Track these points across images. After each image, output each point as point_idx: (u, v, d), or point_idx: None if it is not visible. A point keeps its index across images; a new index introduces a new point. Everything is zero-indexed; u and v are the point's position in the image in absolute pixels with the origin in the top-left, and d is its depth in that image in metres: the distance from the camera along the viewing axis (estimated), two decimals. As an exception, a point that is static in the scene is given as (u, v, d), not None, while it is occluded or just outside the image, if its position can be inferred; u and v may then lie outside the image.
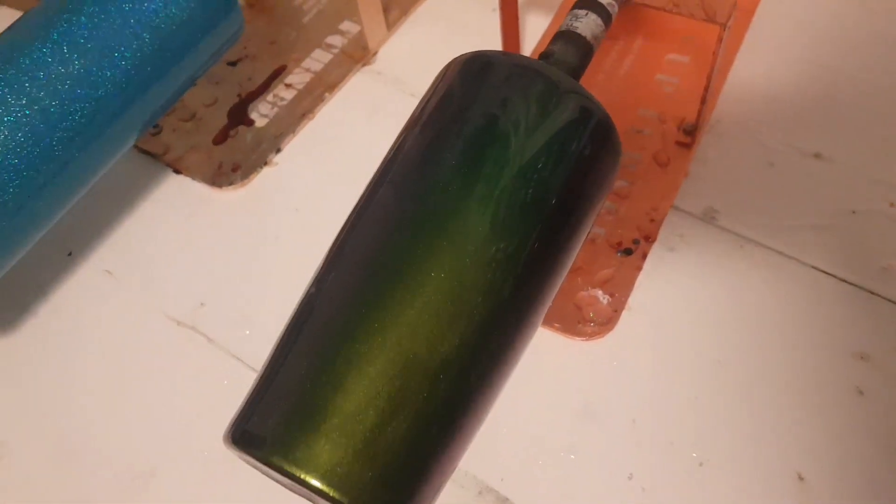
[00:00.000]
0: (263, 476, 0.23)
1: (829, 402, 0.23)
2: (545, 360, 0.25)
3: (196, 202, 0.32)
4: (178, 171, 0.33)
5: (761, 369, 0.24)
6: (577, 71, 0.22)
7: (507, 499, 0.23)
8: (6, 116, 0.24)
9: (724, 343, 0.25)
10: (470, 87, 0.20)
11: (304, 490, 0.16)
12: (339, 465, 0.15)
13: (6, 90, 0.24)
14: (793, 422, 0.23)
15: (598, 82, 0.32)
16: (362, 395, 0.15)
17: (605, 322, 0.26)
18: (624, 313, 0.26)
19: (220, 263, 0.30)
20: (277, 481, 0.19)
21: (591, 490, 0.23)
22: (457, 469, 0.24)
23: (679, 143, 0.29)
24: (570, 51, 0.22)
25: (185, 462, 0.25)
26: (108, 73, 0.26)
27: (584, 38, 0.22)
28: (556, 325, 0.26)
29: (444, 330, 0.16)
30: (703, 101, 0.27)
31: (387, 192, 0.19)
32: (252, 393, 0.17)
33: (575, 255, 0.21)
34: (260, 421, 0.16)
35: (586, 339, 0.25)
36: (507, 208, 0.18)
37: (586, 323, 0.26)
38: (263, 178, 0.32)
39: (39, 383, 0.28)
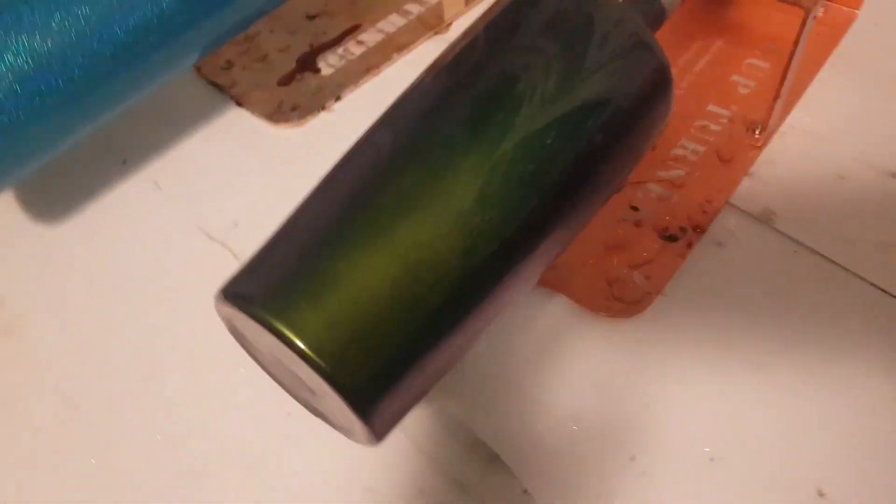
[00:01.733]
0: (261, 381, 0.23)
1: (861, 422, 0.22)
2: (565, 329, 0.25)
3: (251, 134, 0.34)
4: (239, 104, 0.35)
5: (795, 377, 0.23)
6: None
7: (497, 456, 0.23)
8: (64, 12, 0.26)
9: (759, 345, 0.24)
10: (507, 26, 0.20)
11: (288, 360, 0.16)
12: (329, 336, 0.15)
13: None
14: (821, 436, 0.22)
15: (671, 76, 0.32)
16: (358, 292, 0.16)
17: (635, 302, 0.25)
18: (657, 298, 0.25)
19: (261, 191, 0.32)
20: (262, 362, 0.20)
21: (587, 462, 0.22)
22: (451, 418, 0.24)
23: (746, 144, 0.29)
24: (638, 7, 0.23)
25: (192, 364, 0.26)
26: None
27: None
28: (582, 297, 0.26)
29: (415, 275, 0.16)
30: (777, 96, 0.27)
31: (385, 132, 0.19)
32: (248, 261, 0.18)
33: (581, 228, 0.20)
34: (254, 281, 0.17)
35: (611, 317, 0.25)
36: (502, 180, 0.17)
37: (614, 300, 0.25)
38: (320, 122, 0.34)
39: (70, 272, 0.30)
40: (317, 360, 0.15)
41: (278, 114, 0.34)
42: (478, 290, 0.17)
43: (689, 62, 0.33)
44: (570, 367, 0.24)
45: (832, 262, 0.26)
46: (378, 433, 0.16)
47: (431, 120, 0.18)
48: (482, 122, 0.18)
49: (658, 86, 0.21)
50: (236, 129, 0.34)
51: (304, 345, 0.15)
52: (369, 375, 0.15)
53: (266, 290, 0.16)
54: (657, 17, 0.23)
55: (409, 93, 0.20)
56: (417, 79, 0.20)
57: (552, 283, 0.26)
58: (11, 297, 0.30)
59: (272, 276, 0.16)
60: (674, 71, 0.32)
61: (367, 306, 0.15)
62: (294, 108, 0.34)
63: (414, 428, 0.23)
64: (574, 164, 0.19)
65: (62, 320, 0.28)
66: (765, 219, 0.27)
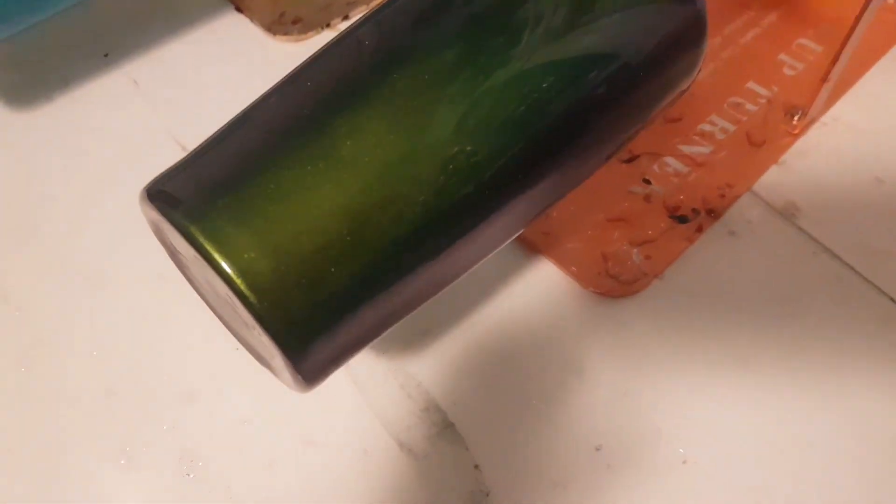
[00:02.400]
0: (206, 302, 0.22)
1: (851, 442, 0.20)
2: (548, 300, 0.23)
3: (245, 43, 0.32)
4: (238, 10, 0.33)
5: (791, 388, 0.22)
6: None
7: (452, 424, 0.21)
8: None
9: (756, 348, 0.22)
10: None
11: (216, 282, 0.14)
12: (261, 258, 0.14)
13: None
14: (809, 454, 0.20)
15: (713, 45, 0.30)
16: (297, 206, 0.14)
17: (630, 283, 0.24)
18: (654, 281, 0.24)
19: (245, 104, 0.30)
20: (195, 284, 0.18)
21: (549, 445, 0.21)
22: (409, 377, 0.22)
23: (781, 129, 0.27)
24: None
25: (142, 280, 0.25)
26: None
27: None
28: (573, 268, 0.24)
29: (378, 204, 0.14)
30: (826, 79, 0.25)
31: (371, 29, 0.17)
32: (186, 156, 0.16)
33: (571, 188, 0.19)
34: (185, 180, 0.15)
35: (601, 294, 0.23)
36: (483, 116, 0.15)
37: (607, 277, 0.24)
38: (320, 39, 0.32)
39: (27, 160, 0.28)
40: (241, 286, 0.13)
41: (278, 25, 0.32)
42: (445, 232, 0.15)
43: (736, 32, 0.30)
44: (547, 341, 0.23)
45: (853, 270, 0.24)
46: (307, 378, 0.14)
47: (422, 31, 0.16)
48: (475, 46, 0.16)
49: (687, 40, 0.19)
50: (230, 36, 0.32)
51: (229, 266, 0.13)
52: (303, 311, 0.14)
53: (195, 194, 0.14)
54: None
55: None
56: None
57: (542, 247, 0.24)
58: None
59: (207, 177, 0.15)
60: (717, 40, 0.30)
61: (311, 229, 0.14)
62: (296, 22, 0.32)
63: (366, 382, 0.22)
64: (571, 115, 0.16)
65: (20, 207, 0.27)
66: (787, 213, 0.25)
